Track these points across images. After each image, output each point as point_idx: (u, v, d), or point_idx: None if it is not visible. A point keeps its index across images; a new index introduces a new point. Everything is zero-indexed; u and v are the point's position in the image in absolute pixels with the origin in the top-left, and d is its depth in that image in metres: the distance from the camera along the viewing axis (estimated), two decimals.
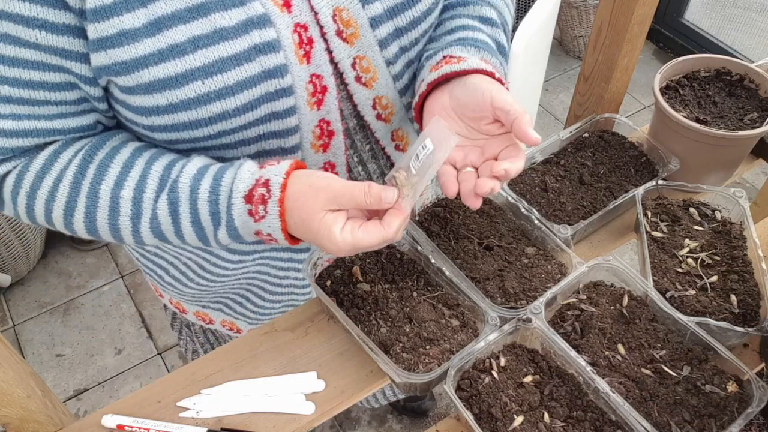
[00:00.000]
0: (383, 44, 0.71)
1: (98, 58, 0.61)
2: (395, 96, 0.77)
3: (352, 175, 0.81)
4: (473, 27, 0.77)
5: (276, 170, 0.64)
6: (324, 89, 0.70)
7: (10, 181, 0.67)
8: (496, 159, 0.68)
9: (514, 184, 0.92)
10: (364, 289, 0.78)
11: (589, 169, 0.95)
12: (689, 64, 1.00)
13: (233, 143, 0.70)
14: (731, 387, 0.71)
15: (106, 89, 0.66)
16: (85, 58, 0.62)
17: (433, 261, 0.78)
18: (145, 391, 0.75)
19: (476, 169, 0.69)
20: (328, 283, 0.79)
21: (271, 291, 0.92)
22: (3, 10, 0.57)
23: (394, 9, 0.70)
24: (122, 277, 2.17)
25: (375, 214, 0.66)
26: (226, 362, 0.77)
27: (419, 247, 0.80)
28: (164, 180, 0.66)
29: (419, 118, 0.75)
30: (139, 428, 0.71)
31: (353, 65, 0.71)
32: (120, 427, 0.71)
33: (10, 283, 2.09)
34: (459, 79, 0.69)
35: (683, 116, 0.90)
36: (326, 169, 0.78)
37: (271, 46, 0.64)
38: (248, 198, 0.64)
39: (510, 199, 0.86)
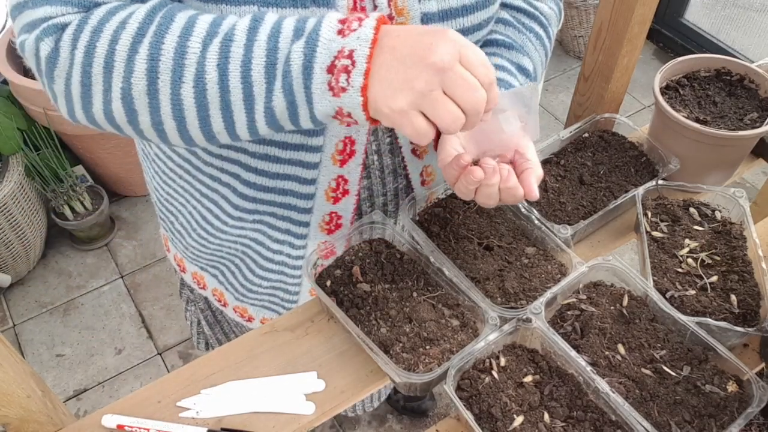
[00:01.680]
0: None
1: None
2: None
3: (366, 162, 0.81)
4: (510, 71, 0.80)
5: (365, 25, 0.58)
6: None
7: (69, 31, 0.61)
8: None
9: None
10: (364, 289, 0.78)
11: (589, 169, 0.95)
12: (689, 64, 1.00)
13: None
14: (731, 387, 0.71)
15: None
16: None
17: (433, 261, 0.78)
18: (145, 391, 0.75)
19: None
20: (328, 283, 0.79)
21: (263, 266, 0.93)
22: None
23: (448, 12, 0.71)
24: (122, 277, 2.17)
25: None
26: (226, 362, 0.77)
27: (419, 247, 0.80)
28: (250, 17, 0.61)
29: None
30: (139, 428, 0.71)
31: None
32: (120, 427, 0.71)
33: (10, 283, 2.09)
34: None
35: (683, 116, 0.90)
36: (345, 144, 0.77)
37: (326, 0, 0.64)
38: (343, 20, 0.59)
39: None
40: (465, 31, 0.74)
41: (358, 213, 0.87)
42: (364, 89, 0.57)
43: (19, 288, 2.14)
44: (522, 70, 0.82)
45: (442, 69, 0.56)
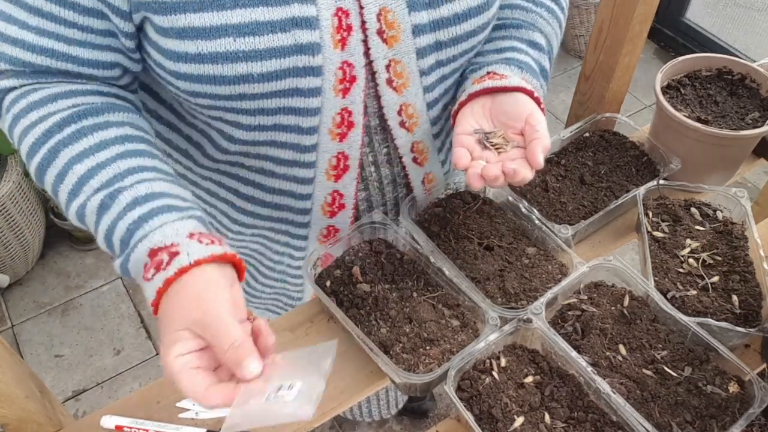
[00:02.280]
0: (421, 53, 0.72)
1: None
2: (422, 107, 0.77)
3: (363, 174, 0.81)
4: (521, 50, 0.80)
5: (192, 251, 0.60)
6: (353, 79, 0.70)
7: (10, 97, 0.68)
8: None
9: None
10: (363, 290, 0.77)
11: (590, 169, 0.94)
12: (690, 64, 0.99)
13: (252, 110, 0.69)
14: (733, 388, 0.71)
15: (139, 28, 0.66)
16: None
17: (433, 261, 0.78)
18: (145, 391, 0.75)
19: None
20: (328, 283, 0.79)
21: (265, 274, 0.92)
22: None
23: (439, 22, 0.71)
24: (121, 277, 2.17)
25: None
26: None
27: (419, 247, 0.80)
28: (113, 181, 0.65)
29: (455, 123, 0.77)
30: (138, 429, 0.71)
31: (387, 67, 0.71)
32: (119, 428, 0.71)
33: (8, 283, 2.09)
34: (505, 92, 0.73)
35: (684, 116, 0.90)
36: (339, 160, 0.77)
37: (308, 23, 0.64)
38: (153, 253, 0.61)
39: (510, 198, 0.86)
40: (458, 39, 0.73)
41: None
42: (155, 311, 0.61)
43: (18, 288, 2.14)
44: (534, 44, 0.81)
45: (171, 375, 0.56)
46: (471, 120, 0.74)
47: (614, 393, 0.68)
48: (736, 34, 2.68)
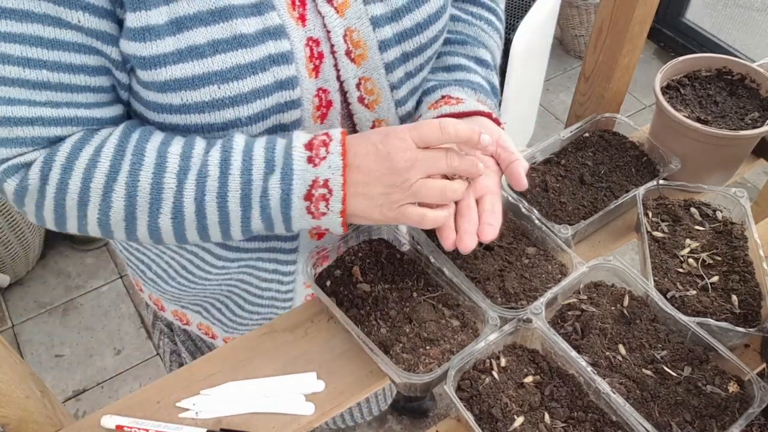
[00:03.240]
0: (389, 68, 0.72)
1: (123, 46, 0.61)
2: (395, 122, 0.78)
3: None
4: (470, 68, 0.80)
5: (335, 129, 0.65)
6: (329, 104, 0.71)
7: (36, 168, 0.63)
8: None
9: None
10: (364, 290, 0.77)
11: (590, 169, 0.94)
12: (690, 64, 0.99)
13: None
14: (732, 387, 0.71)
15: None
16: (115, 41, 0.61)
17: (433, 261, 0.78)
18: (145, 391, 0.75)
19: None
20: (328, 283, 0.79)
21: (252, 302, 0.90)
22: None
23: (403, 34, 0.71)
24: (121, 277, 2.17)
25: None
26: (226, 362, 0.77)
27: (419, 247, 0.80)
28: (213, 141, 0.64)
29: None
30: (139, 429, 0.71)
31: (358, 86, 0.72)
32: (119, 427, 0.71)
33: (9, 283, 2.09)
34: (463, 117, 0.73)
35: (684, 116, 0.90)
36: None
37: (284, 58, 0.64)
38: (308, 145, 0.63)
39: (510, 199, 0.86)
40: (422, 48, 0.74)
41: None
42: (343, 212, 0.63)
43: (18, 288, 2.14)
44: (480, 62, 0.81)
45: (407, 167, 0.62)
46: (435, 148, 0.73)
47: (614, 393, 0.68)
48: (735, 34, 2.68)
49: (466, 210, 0.69)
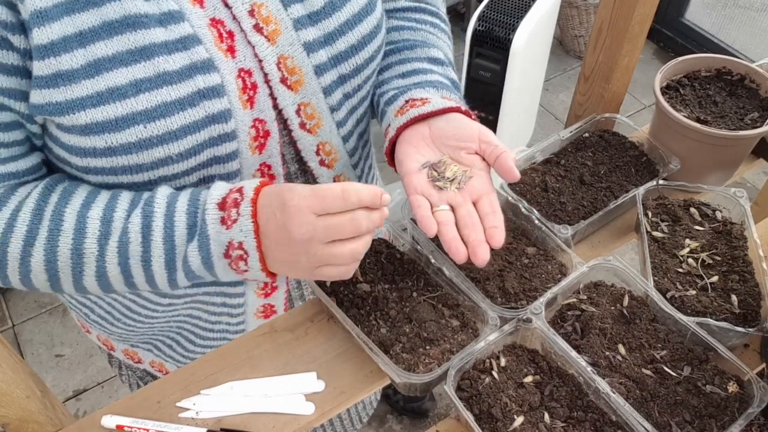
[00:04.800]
0: (327, 91, 0.72)
1: (34, 96, 0.59)
2: (339, 142, 0.78)
3: None
4: (425, 70, 0.79)
5: (251, 181, 0.64)
6: (267, 134, 0.70)
7: None
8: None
9: (514, 184, 0.92)
10: (363, 289, 0.77)
11: (590, 169, 0.95)
12: (690, 64, 1.00)
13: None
14: (732, 387, 0.71)
15: (42, 126, 0.64)
16: (24, 96, 0.60)
17: (433, 261, 0.78)
18: (145, 391, 0.75)
19: (451, 207, 0.70)
20: (328, 283, 0.79)
21: (203, 336, 0.89)
22: None
23: (338, 57, 0.71)
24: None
25: None
26: (226, 362, 0.77)
27: (419, 247, 0.80)
28: (136, 200, 0.64)
29: (392, 162, 0.76)
30: (139, 429, 0.71)
31: (297, 112, 0.71)
32: (119, 427, 0.71)
33: None
34: (434, 117, 0.72)
35: (684, 116, 0.90)
36: None
37: (215, 91, 0.63)
38: (222, 204, 0.62)
39: (510, 199, 0.86)
40: (359, 68, 0.74)
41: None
42: (264, 268, 0.63)
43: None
44: (434, 60, 0.81)
45: (310, 238, 0.60)
46: (415, 155, 0.72)
47: (614, 393, 0.68)
48: (735, 34, 2.68)
49: (468, 218, 0.68)
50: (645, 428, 0.66)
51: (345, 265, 0.63)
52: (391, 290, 0.78)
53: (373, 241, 0.83)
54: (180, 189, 0.68)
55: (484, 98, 1.74)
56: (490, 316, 0.73)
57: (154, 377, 1.06)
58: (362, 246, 0.62)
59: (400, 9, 0.85)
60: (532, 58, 1.79)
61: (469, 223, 0.68)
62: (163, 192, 0.64)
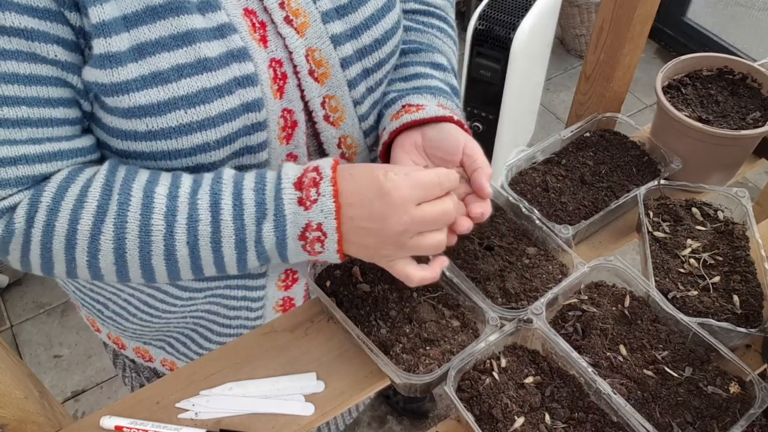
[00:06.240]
0: (352, 84, 0.73)
1: (86, 74, 0.60)
2: (360, 136, 0.78)
3: None
4: (426, 74, 0.80)
5: (325, 160, 0.63)
6: (294, 124, 0.71)
7: (21, 211, 0.60)
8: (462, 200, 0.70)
9: (515, 183, 0.92)
10: (363, 290, 0.77)
11: (591, 169, 0.94)
12: (691, 63, 0.99)
13: None
14: (733, 388, 0.70)
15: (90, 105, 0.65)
16: (80, 72, 0.61)
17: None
18: (144, 392, 0.75)
19: None
20: (328, 283, 0.79)
21: (218, 332, 0.88)
22: (12, 26, 0.55)
23: (363, 50, 0.72)
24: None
25: None
26: (226, 363, 0.76)
27: None
28: (199, 179, 0.63)
29: (385, 159, 0.77)
30: (138, 429, 0.71)
31: (323, 104, 0.72)
32: (118, 428, 0.71)
33: (7, 283, 2.09)
34: (427, 124, 0.73)
35: (685, 115, 0.90)
36: None
37: (249, 80, 0.64)
38: (298, 184, 0.61)
39: (511, 199, 0.86)
40: (382, 62, 0.75)
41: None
42: (340, 250, 0.63)
43: (17, 288, 2.14)
44: (436, 66, 0.82)
45: (404, 231, 0.61)
46: (407, 161, 0.72)
47: (615, 393, 0.68)
48: (737, 33, 2.67)
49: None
50: (646, 429, 0.66)
51: (427, 254, 0.65)
52: (391, 290, 0.77)
53: None
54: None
55: (484, 97, 1.74)
56: (491, 316, 0.73)
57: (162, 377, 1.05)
58: (445, 236, 0.64)
59: (409, 11, 0.86)
60: (532, 57, 1.78)
61: (462, 221, 0.68)
62: (227, 172, 0.64)
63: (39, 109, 0.59)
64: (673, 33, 2.84)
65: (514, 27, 1.65)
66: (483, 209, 0.68)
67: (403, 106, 0.76)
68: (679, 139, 0.92)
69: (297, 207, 0.61)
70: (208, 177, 0.64)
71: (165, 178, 0.63)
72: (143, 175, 0.63)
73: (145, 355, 0.97)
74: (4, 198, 0.61)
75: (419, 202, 0.60)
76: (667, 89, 0.97)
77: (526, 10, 1.70)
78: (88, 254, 0.62)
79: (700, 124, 0.88)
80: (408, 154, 0.72)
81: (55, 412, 0.74)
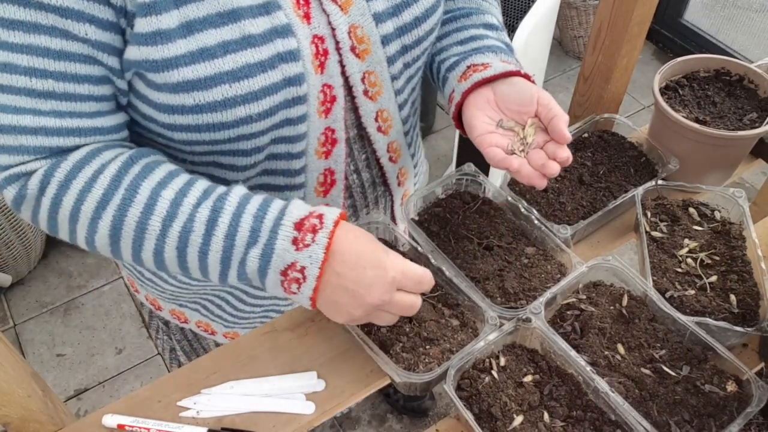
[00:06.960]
0: (391, 60, 0.75)
1: (131, 52, 0.62)
2: (395, 110, 0.81)
3: (348, 182, 0.83)
4: (482, 35, 0.83)
5: (332, 210, 0.65)
6: (333, 99, 0.73)
7: (35, 179, 0.64)
8: (540, 148, 0.74)
9: (514, 183, 0.92)
10: None
11: (589, 169, 0.95)
12: (689, 65, 1.00)
13: (249, 149, 0.72)
14: (730, 387, 0.71)
15: (129, 83, 0.66)
16: (115, 51, 0.63)
17: (433, 261, 0.78)
18: (146, 390, 0.75)
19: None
20: None
21: (254, 295, 0.90)
22: (49, 3, 0.57)
23: (403, 28, 0.74)
24: (122, 277, 2.17)
25: None
26: (226, 362, 0.77)
27: (419, 247, 0.80)
28: (210, 191, 0.65)
29: (458, 125, 0.81)
30: (140, 428, 0.71)
31: (363, 79, 0.74)
32: (120, 426, 0.71)
33: (10, 282, 2.09)
34: (496, 81, 0.76)
35: (683, 116, 0.90)
36: (326, 176, 0.79)
37: (292, 55, 0.66)
38: (299, 225, 0.63)
39: (510, 199, 0.86)
40: (420, 39, 0.77)
41: None
42: (313, 297, 0.64)
43: (20, 288, 2.14)
44: (489, 26, 0.85)
45: (378, 305, 0.64)
46: (483, 117, 0.76)
47: (613, 392, 0.68)
48: (734, 35, 2.68)
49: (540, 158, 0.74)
50: (644, 427, 0.66)
51: (380, 324, 0.70)
52: None
53: None
54: (254, 169, 0.74)
55: None
56: (490, 315, 0.73)
57: (191, 344, 1.08)
58: (395, 319, 0.69)
59: None
60: (531, 58, 1.79)
61: (551, 164, 0.73)
62: (237, 191, 0.66)
63: (64, 83, 0.61)
64: (670, 34, 2.85)
65: (513, 28, 1.66)
66: (568, 153, 0.73)
67: (469, 67, 0.78)
68: (677, 140, 0.92)
69: (289, 245, 0.63)
70: (217, 192, 0.65)
71: (177, 183, 0.65)
72: (158, 174, 0.65)
73: (181, 317, 1.00)
74: (22, 163, 0.64)
75: (401, 288, 0.65)
76: (664, 90, 0.97)
77: (525, 11, 1.71)
78: (87, 231, 0.65)
79: (697, 125, 0.89)
80: (482, 110, 0.76)
81: (57, 411, 0.74)
